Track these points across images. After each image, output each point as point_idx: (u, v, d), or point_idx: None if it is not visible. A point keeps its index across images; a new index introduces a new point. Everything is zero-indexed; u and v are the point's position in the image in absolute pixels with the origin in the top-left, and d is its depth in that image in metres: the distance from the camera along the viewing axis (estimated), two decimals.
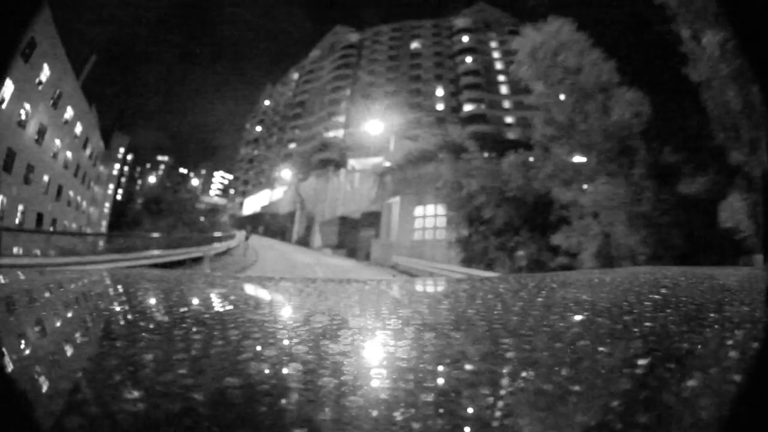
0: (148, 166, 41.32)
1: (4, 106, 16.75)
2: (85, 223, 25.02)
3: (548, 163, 11.47)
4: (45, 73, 19.51)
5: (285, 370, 0.58)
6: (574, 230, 11.03)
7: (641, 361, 0.64)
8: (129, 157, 33.77)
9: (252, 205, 40.34)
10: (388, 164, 23.78)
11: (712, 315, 0.94)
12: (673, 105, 10.74)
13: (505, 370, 0.61)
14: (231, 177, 49.46)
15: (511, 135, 27.41)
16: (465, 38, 36.50)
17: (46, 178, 20.54)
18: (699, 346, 0.73)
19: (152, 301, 1.06)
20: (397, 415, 0.46)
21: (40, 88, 19.36)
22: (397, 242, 20.04)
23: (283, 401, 0.49)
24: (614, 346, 0.71)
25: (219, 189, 50.00)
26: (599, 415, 0.47)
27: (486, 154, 13.36)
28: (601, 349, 0.70)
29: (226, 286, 1.31)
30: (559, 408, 0.49)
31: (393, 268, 17.16)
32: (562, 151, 11.45)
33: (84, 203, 25.28)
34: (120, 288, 1.19)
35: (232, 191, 46.21)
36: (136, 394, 0.49)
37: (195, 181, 47.19)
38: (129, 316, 0.88)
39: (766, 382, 0.52)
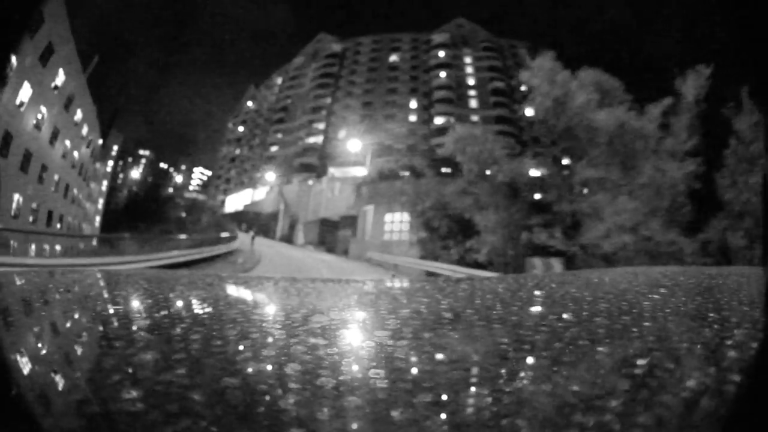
0: (133, 161, 42.76)
1: (23, 109, 17.30)
2: (82, 218, 25.47)
3: (470, 197, 18.49)
4: (60, 78, 20.16)
5: (284, 370, 0.57)
6: (480, 238, 17.72)
7: (641, 361, 0.63)
8: (122, 154, 35.59)
9: (234, 202, 42.57)
10: (365, 173, 28.96)
11: (712, 315, 0.94)
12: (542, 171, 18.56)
13: (504, 370, 0.61)
14: (210, 173, 51.05)
15: None
16: (441, 53, 38.56)
17: (56, 177, 21.10)
18: (699, 346, 0.73)
19: (152, 301, 1.05)
20: (396, 415, 0.46)
21: (56, 92, 20.07)
22: (370, 241, 24.61)
23: (283, 401, 0.49)
24: (614, 346, 0.71)
25: (198, 185, 51.56)
26: (599, 415, 0.46)
27: (444, 170, 19.98)
28: (601, 349, 0.69)
29: (226, 286, 1.31)
30: (559, 408, 0.48)
31: (367, 261, 21.38)
32: (478, 190, 18.47)
33: (83, 199, 25.72)
34: (120, 288, 1.18)
35: (213, 188, 48.05)
36: (135, 394, 0.48)
37: (179, 178, 48.71)
38: (129, 317, 0.88)
39: (766, 382, 0.51)
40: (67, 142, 22.26)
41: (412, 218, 21.78)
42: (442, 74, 37.74)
